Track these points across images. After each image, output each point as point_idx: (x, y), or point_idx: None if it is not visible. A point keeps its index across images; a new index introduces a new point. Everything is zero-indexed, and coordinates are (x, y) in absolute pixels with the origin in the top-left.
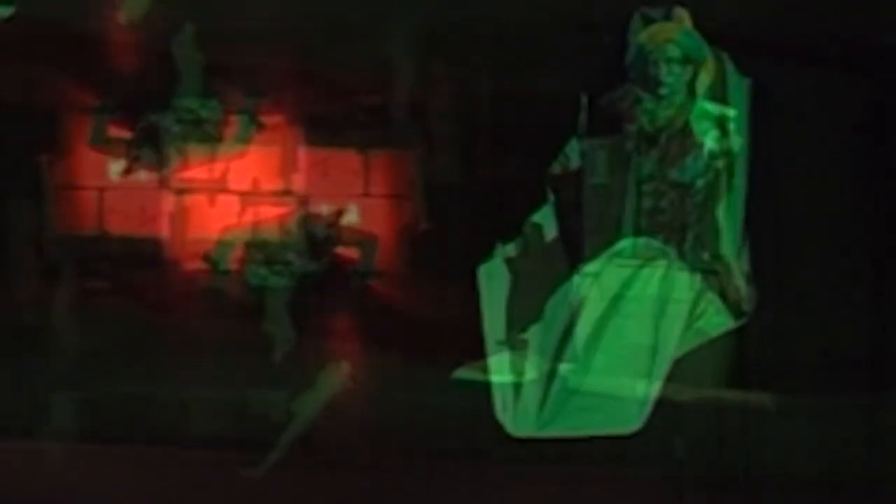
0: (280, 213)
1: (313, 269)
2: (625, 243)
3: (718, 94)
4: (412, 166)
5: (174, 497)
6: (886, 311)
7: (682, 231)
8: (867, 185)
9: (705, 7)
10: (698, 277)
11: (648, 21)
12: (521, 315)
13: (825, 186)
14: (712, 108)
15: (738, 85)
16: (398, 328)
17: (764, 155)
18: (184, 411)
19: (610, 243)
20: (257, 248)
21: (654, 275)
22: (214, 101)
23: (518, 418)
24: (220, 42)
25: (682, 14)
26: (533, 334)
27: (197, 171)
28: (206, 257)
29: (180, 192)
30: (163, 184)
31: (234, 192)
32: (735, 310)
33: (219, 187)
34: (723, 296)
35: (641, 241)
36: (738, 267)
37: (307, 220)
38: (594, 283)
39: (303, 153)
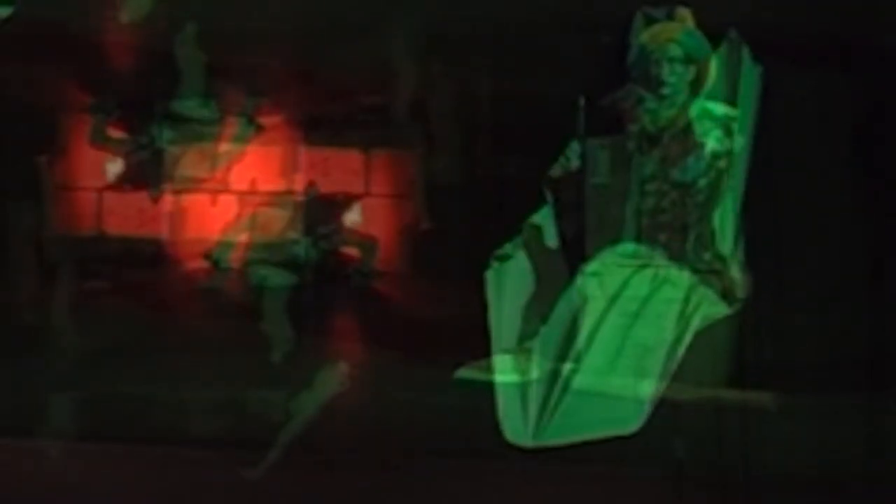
0: (280, 212)
1: (313, 269)
2: (625, 243)
3: (729, 82)
4: (413, 166)
5: (173, 497)
6: (886, 311)
7: (683, 231)
8: (867, 185)
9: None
10: (697, 276)
11: (651, 21)
12: (523, 317)
13: (825, 186)
14: (715, 107)
15: (751, 72)
16: (399, 328)
17: (764, 154)
18: (183, 411)
19: (612, 243)
20: (257, 248)
21: (654, 275)
22: (214, 101)
23: (517, 429)
24: (221, 42)
25: (685, 13)
26: (533, 337)
27: (197, 172)
28: (206, 257)
29: (180, 192)
30: (163, 184)
31: (234, 193)
32: (730, 298)
33: (219, 187)
34: (722, 292)
35: (642, 241)
36: (735, 259)
37: (307, 220)
38: (594, 284)
39: (303, 153)
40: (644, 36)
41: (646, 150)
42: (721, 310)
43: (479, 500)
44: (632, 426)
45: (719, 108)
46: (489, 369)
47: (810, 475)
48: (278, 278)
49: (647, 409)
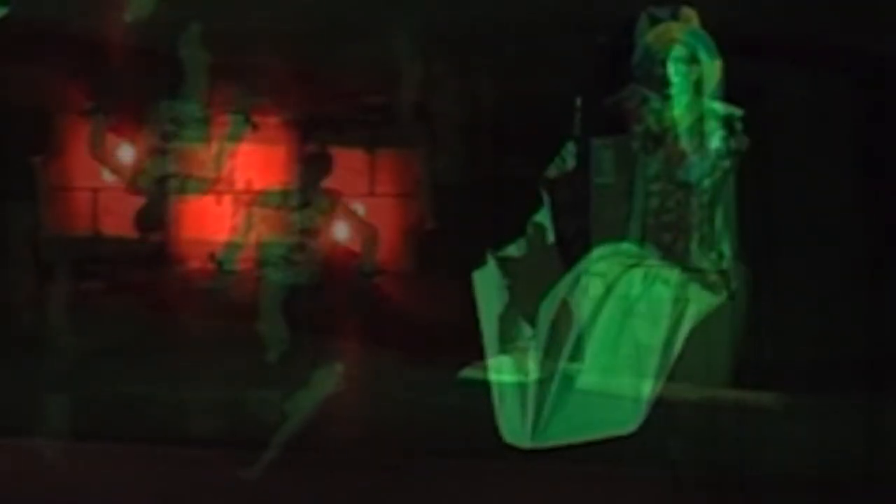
0: (280, 212)
1: (313, 269)
2: (628, 243)
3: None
4: (416, 165)
5: (173, 497)
6: (886, 310)
7: (688, 231)
8: (867, 185)
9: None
10: (700, 276)
11: (655, 21)
12: (523, 316)
13: (824, 186)
14: (719, 107)
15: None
16: (400, 327)
17: (763, 154)
18: (182, 411)
19: (615, 243)
20: (257, 247)
21: (657, 275)
22: (215, 102)
23: (515, 429)
24: (222, 42)
25: (690, 14)
26: (534, 337)
27: (198, 172)
28: (206, 257)
29: (180, 192)
30: (163, 184)
31: (234, 193)
32: (732, 298)
33: (219, 188)
34: (724, 293)
35: (646, 241)
36: (738, 259)
37: (307, 220)
38: (596, 283)
39: (304, 153)
40: (649, 36)
41: (650, 151)
42: (723, 310)
43: (479, 500)
44: (630, 426)
45: (724, 108)
46: (490, 371)
47: (810, 475)
48: (278, 278)
49: (645, 409)
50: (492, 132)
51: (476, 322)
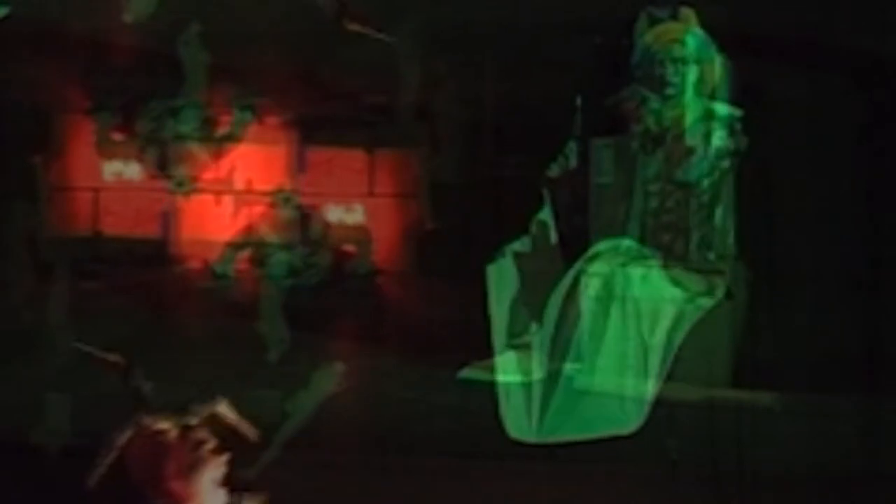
0: (280, 212)
1: (313, 268)
2: (627, 243)
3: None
4: (416, 165)
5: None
6: (886, 310)
7: (687, 231)
8: (866, 185)
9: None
10: (699, 276)
11: (655, 21)
12: (526, 315)
13: (824, 186)
14: (718, 107)
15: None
16: (400, 327)
17: (763, 155)
18: None
19: (615, 242)
20: (257, 248)
21: (656, 274)
22: (215, 102)
23: (521, 424)
24: (222, 42)
25: (689, 14)
26: (535, 335)
27: (197, 172)
28: (206, 257)
29: (180, 192)
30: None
31: (234, 193)
32: (732, 298)
33: (219, 188)
34: (723, 292)
35: (646, 241)
36: (737, 259)
37: (307, 219)
38: (596, 283)
39: (305, 153)
40: (648, 36)
41: (650, 151)
42: (721, 309)
43: (480, 500)
44: (633, 425)
45: (723, 108)
46: (493, 370)
47: (809, 475)
48: (278, 278)
49: (647, 407)
50: (491, 132)
51: (476, 322)
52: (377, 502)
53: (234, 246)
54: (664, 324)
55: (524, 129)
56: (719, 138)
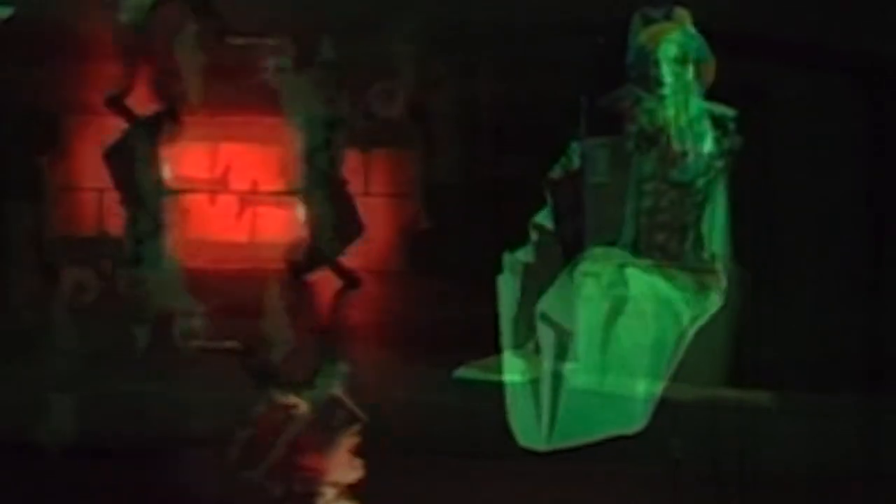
0: (279, 212)
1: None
2: (623, 243)
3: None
4: (413, 165)
5: (173, 497)
6: (886, 310)
7: (682, 230)
8: (866, 185)
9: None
10: (695, 276)
11: (649, 21)
12: (528, 317)
13: (824, 186)
14: (713, 107)
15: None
16: (399, 327)
17: (763, 155)
18: (182, 411)
19: (610, 243)
20: (257, 247)
21: (652, 274)
22: (214, 101)
23: (530, 432)
24: (222, 42)
25: (683, 14)
26: (537, 337)
27: (198, 172)
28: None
29: (180, 192)
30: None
31: (234, 192)
32: (728, 298)
33: (219, 188)
34: (720, 292)
35: (641, 241)
36: (733, 258)
37: (307, 219)
38: (591, 284)
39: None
40: (642, 36)
41: (644, 150)
42: (719, 309)
43: (479, 499)
44: (637, 426)
45: (717, 108)
46: (488, 369)
47: (809, 475)
48: (278, 278)
49: (650, 408)
50: (489, 132)
51: (476, 322)
52: (377, 502)
53: (231, 246)
54: (661, 324)
55: (522, 129)
56: (714, 138)
